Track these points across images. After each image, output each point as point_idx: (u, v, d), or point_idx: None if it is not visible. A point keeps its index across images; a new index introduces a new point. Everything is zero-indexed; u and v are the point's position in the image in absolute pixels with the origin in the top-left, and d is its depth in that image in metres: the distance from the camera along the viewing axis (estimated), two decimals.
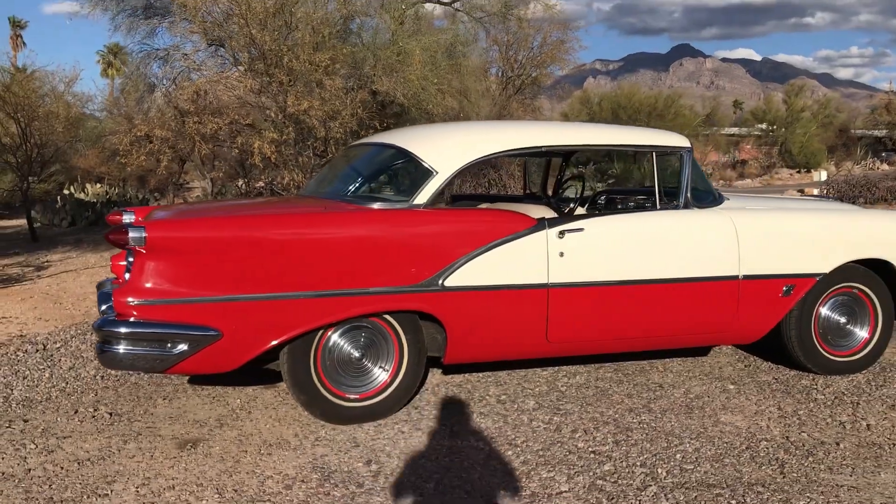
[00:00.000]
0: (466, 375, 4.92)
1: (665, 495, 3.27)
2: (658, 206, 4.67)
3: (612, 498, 3.26)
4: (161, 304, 3.67)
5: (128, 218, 4.33)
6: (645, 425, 4.09)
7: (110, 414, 4.19)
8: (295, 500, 3.21)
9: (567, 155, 5.87)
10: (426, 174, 4.21)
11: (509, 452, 3.73)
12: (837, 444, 3.87)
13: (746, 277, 4.65)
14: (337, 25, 10.63)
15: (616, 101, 37.28)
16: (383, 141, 4.86)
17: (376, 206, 4.19)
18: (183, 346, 3.67)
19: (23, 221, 15.22)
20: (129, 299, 3.65)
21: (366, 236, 4.00)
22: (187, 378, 4.81)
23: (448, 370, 5.00)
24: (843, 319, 5.04)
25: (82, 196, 19.56)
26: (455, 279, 4.06)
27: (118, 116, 16.23)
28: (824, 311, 5.00)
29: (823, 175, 27.50)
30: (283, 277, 3.80)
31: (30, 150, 13.97)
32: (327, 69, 9.83)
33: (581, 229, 4.34)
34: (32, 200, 16.46)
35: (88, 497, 3.20)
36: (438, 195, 4.24)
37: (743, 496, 3.27)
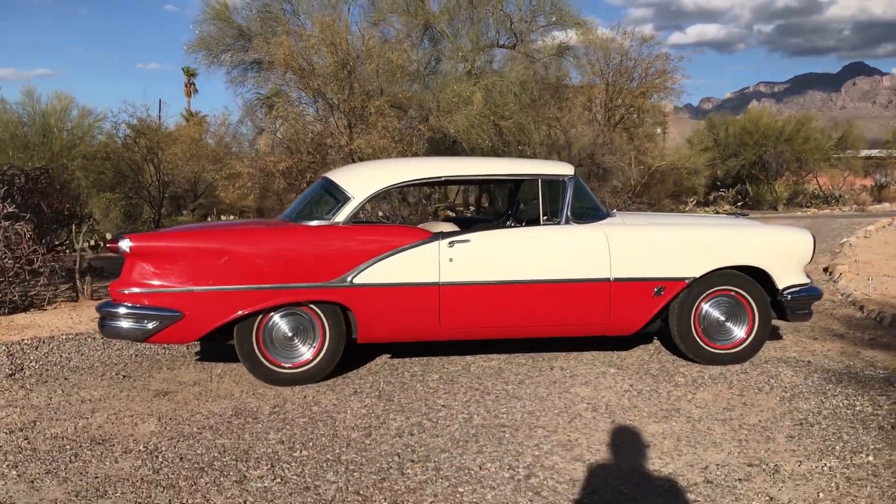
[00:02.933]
0: (404, 359, 6.18)
1: (464, 430, 4.45)
2: (541, 222, 5.81)
3: (426, 429, 4.47)
4: (140, 293, 5.23)
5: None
6: (503, 392, 5.23)
7: (124, 376, 5.79)
8: (206, 423, 4.62)
9: (466, 184, 7.06)
10: (345, 199, 5.59)
11: (381, 404, 4.99)
12: (636, 407, 4.88)
13: (617, 280, 5.69)
14: (396, 73, 12.19)
15: (742, 127, 36.92)
16: (325, 175, 6.25)
17: (309, 223, 5.60)
18: (155, 323, 5.20)
19: None
20: (118, 289, 5.24)
21: (293, 245, 5.41)
22: (198, 357, 6.36)
23: (397, 355, 6.29)
24: (722, 317, 5.93)
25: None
26: (361, 278, 5.39)
27: (239, 156, 18.56)
28: (704, 309, 5.91)
29: None
30: (226, 275, 5.26)
31: (161, 188, 16.43)
32: (380, 112, 11.39)
33: (468, 241, 5.56)
34: None
35: (74, 418, 4.76)
36: (356, 214, 5.60)
37: (510, 430, 4.39)
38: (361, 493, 3.62)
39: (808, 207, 33.91)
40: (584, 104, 23.97)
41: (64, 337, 7.16)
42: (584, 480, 3.73)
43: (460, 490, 3.63)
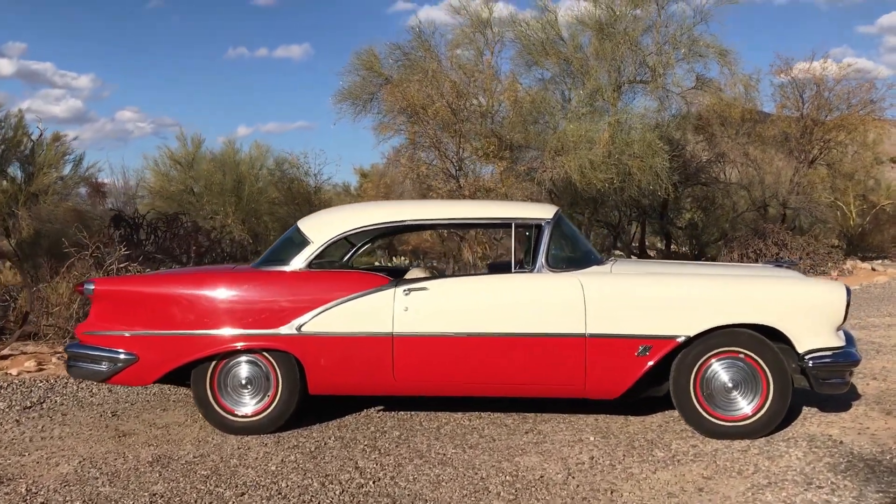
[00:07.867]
0: (387, 413, 5.88)
1: (338, 499, 4.10)
2: (512, 270, 5.31)
3: (307, 492, 4.17)
4: (100, 335, 5.38)
5: None
6: (440, 457, 4.79)
7: (112, 414, 5.96)
8: (113, 470, 4.62)
9: (435, 228, 6.57)
10: (305, 243, 5.45)
11: (302, 462, 4.73)
12: (564, 483, 4.26)
13: (594, 336, 5.05)
14: (512, 116, 11.95)
15: None
16: (298, 221, 6.12)
17: (267, 268, 5.50)
18: (111, 365, 5.32)
19: None
20: (83, 331, 5.43)
21: (247, 290, 5.34)
22: None
23: (391, 408, 5.99)
24: (729, 384, 5.08)
25: (387, 264, 22.99)
26: (310, 326, 5.20)
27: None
28: (707, 374, 5.10)
29: None
30: (178, 320, 5.28)
31: None
32: (488, 155, 11.19)
33: (425, 288, 5.20)
34: None
35: (14, 455, 4.95)
36: (315, 259, 5.41)
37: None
38: None
39: None
40: (777, 139, 22.11)
41: None
42: None
43: None
